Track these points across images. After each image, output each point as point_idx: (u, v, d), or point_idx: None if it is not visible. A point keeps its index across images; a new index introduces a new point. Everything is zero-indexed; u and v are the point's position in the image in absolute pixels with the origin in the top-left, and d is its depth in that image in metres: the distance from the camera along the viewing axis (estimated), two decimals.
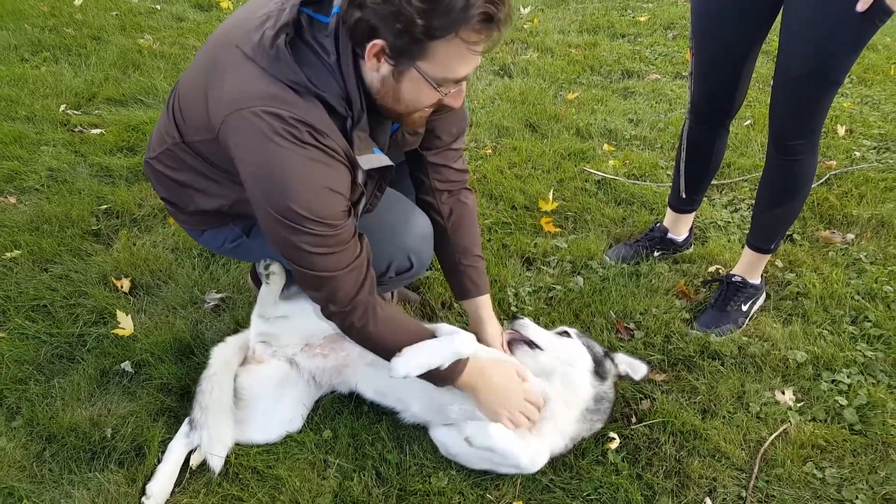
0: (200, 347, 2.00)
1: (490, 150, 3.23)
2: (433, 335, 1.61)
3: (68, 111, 3.44)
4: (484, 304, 1.87)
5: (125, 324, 2.07)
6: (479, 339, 1.77)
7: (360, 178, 1.43)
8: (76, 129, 3.26)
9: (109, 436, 1.73)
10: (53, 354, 1.99)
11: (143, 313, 2.15)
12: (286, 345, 1.81)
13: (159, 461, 1.66)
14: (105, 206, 2.67)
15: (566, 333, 1.84)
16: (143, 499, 1.56)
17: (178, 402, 1.84)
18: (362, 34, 1.25)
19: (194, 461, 1.66)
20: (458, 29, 1.22)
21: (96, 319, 2.11)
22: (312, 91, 1.30)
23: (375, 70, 1.31)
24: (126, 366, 1.94)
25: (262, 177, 1.32)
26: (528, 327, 1.82)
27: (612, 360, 1.80)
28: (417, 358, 1.54)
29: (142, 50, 4.15)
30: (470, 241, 1.85)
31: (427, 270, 2.25)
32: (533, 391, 1.68)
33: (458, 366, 1.58)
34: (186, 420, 1.70)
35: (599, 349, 1.81)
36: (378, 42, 1.24)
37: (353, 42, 1.29)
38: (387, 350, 1.55)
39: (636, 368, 1.80)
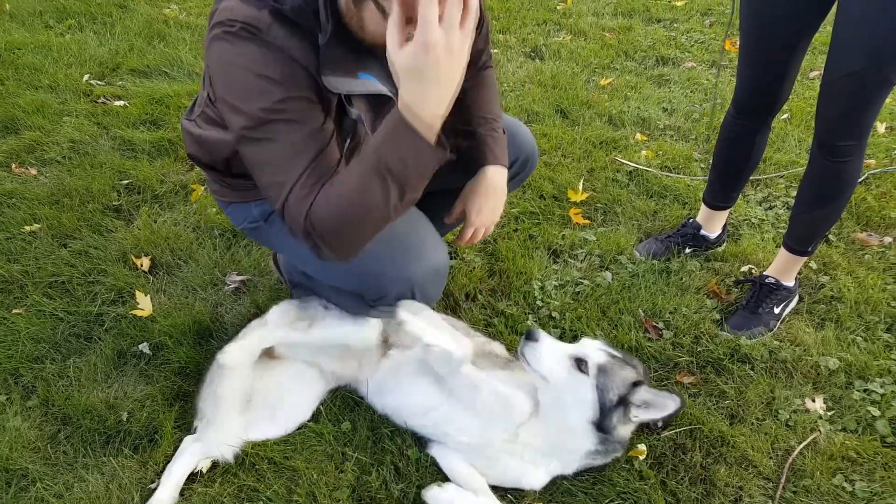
0: (220, 331, 1.98)
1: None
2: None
3: (92, 81, 3.42)
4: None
5: (144, 304, 2.05)
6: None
7: (354, 114, 1.35)
8: (99, 101, 3.24)
9: (125, 419, 1.72)
10: (70, 333, 1.98)
11: (162, 293, 2.13)
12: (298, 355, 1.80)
13: (174, 448, 1.64)
14: (127, 181, 2.65)
15: (583, 364, 1.56)
16: None
17: (195, 387, 1.81)
18: None
19: (203, 466, 1.63)
20: None
21: (115, 298, 2.10)
22: (269, 5, 1.23)
23: None
24: (144, 347, 1.93)
25: (219, 77, 1.28)
26: (538, 355, 1.58)
27: (628, 408, 1.54)
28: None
29: (168, 20, 4.11)
30: (488, 108, 1.72)
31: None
32: None
33: None
34: (191, 436, 1.66)
35: (615, 394, 1.53)
36: None
37: None
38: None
39: (662, 405, 1.52)
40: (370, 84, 1.36)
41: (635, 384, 1.55)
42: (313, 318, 1.78)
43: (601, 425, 1.54)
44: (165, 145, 2.89)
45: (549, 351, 1.58)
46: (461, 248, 1.93)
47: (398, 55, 1.08)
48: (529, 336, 1.60)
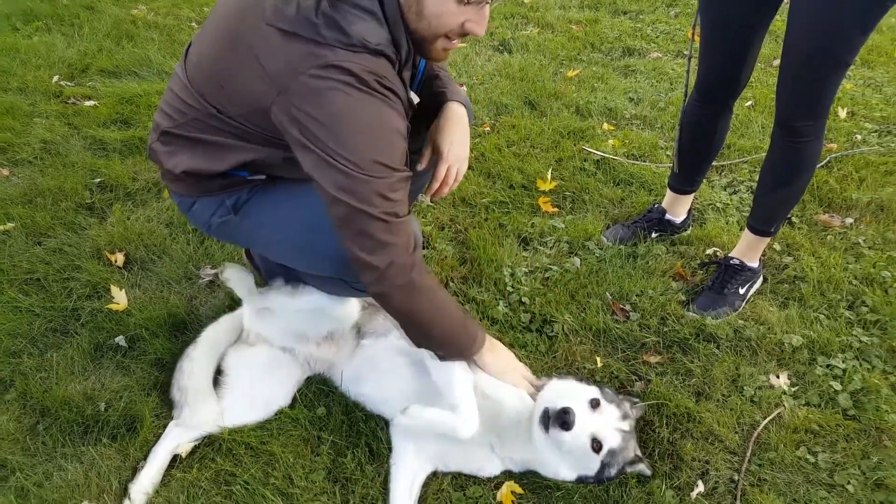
0: (195, 323, 1.98)
1: (488, 128, 3.18)
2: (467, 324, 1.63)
3: (61, 82, 3.37)
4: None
5: (119, 298, 2.04)
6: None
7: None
8: (69, 101, 3.20)
9: (103, 409, 1.72)
10: (47, 328, 1.97)
11: (137, 288, 2.12)
12: (275, 339, 1.80)
13: (154, 436, 1.65)
14: (99, 180, 2.62)
15: (598, 444, 1.55)
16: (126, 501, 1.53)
17: (172, 378, 1.82)
18: None
19: (183, 451, 1.64)
20: None
21: (90, 293, 2.09)
22: (371, 48, 1.25)
23: None
24: (120, 340, 1.92)
25: (335, 130, 1.26)
26: (563, 439, 1.53)
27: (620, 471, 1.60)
28: (422, 414, 1.57)
29: (136, 21, 4.07)
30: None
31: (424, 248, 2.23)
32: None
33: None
34: (174, 421, 1.68)
35: (616, 469, 1.58)
36: None
37: None
38: (422, 325, 1.53)
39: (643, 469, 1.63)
40: (414, 95, 1.46)
41: (634, 461, 1.61)
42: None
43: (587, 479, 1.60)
44: (137, 144, 2.86)
45: (574, 436, 1.53)
46: (439, 198, 1.90)
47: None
48: (564, 424, 1.52)
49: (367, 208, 1.31)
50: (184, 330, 1.97)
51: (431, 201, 1.72)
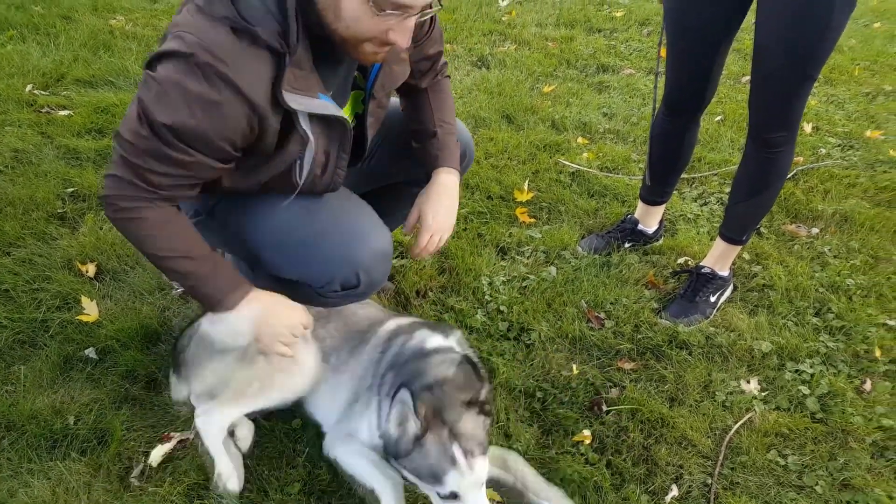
0: (167, 334, 1.95)
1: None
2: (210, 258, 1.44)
3: (35, 91, 3.31)
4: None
5: (90, 309, 2.00)
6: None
7: (303, 123, 1.34)
8: (43, 110, 3.15)
9: (72, 423, 1.67)
10: (15, 340, 1.92)
11: (108, 299, 2.08)
12: None
13: (125, 449, 1.61)
14: (71, 189, 2.58)
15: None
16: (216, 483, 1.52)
17: (143, 390, 1.79)
18: None
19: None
20: None
21: (60, 305, 2.04)
22: (241, 26, 1.20)
23: None
24: (90, 352, 1.88)
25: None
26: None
27: None
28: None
29: (113, 31, 4.03)
30: (447, 114, 1.76)
31: (389, 282, 2.21)
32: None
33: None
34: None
35: None
36: None
37: None
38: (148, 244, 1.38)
39: None
40: (332, 107, 1.37)
41: None
42: None
43: None
44: (111, 153, 2.81)
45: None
46: (418, 259, 1.91)
47: None
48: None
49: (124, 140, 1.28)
50: (156, 341, 1.93)
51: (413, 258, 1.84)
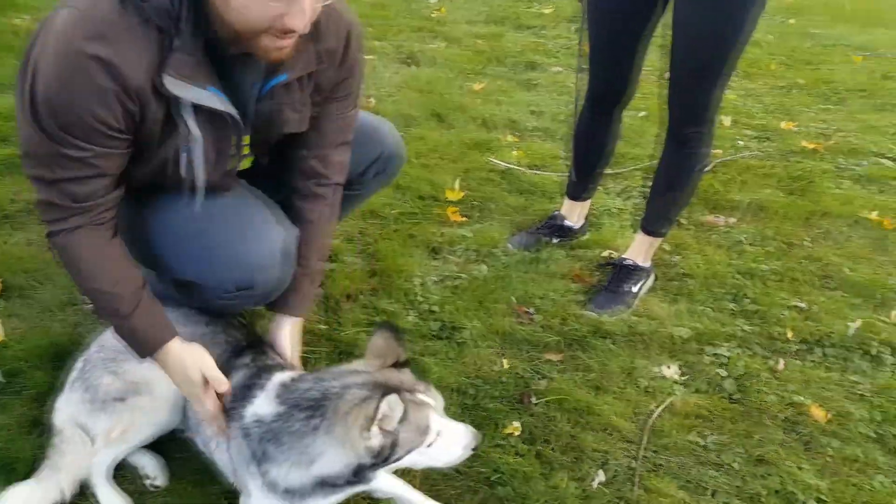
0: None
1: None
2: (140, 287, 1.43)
3: None
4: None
5: None
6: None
7: (186, 114, 1.30)
8: None
9: None
10: None
11: (15, 317, 2.01)
12: None
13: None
14: None
15: None
16: None
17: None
18: None
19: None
20: None
21: None
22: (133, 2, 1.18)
23: None
24: None
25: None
26: None
27: None
28: None
29: (18, 31, 3.87)
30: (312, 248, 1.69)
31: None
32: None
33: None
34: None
35: None
36: None
37: None
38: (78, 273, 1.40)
39: None
40: (220, 102, 1.32)
41: None
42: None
43: None
44: (15, 162, 2.72)
45: None
46: None
47: None
48: None
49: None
50: (68, 360, 1.87)
51: None
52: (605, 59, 2.12)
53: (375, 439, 1.19)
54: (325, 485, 1.24)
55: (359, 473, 1.23)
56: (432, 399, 1.30)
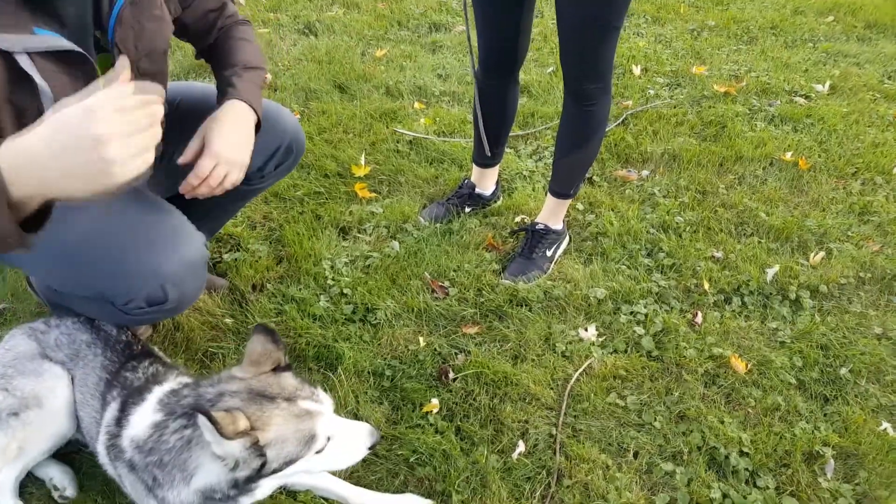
0: None
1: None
2: None
3: None
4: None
5: None
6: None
7: (25, 65, 1.19)
8: None
9: None
10: None
11: None
12: None
13: None
14: None
15: None
16: None
17: None
18: None
19: None
20: None
21: None
22: None
23: None
24: None
25: None
26: None
27: None
28: None
29: None
30: (247, 58, 1.66)
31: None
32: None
33: None
34: None
35: None
36: None
37: None
38: None
39: None
40: (53, 40, 1.22)
41: None
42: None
43: None
44: None
45: None
46: (193, 196, 1.55)
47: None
48: None
49: None
50: None
51: (185, 196, 1.56)
52: (491, 22, 2.12)
53: (232, 446, 1.15)
54: (210, 499, 1.22)
55: (238, 486, 1.20)
56: (319, 404, 1.27)
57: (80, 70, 1.29)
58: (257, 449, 1.16)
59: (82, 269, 1.48)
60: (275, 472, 1.20)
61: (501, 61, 2.20)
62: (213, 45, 1.72)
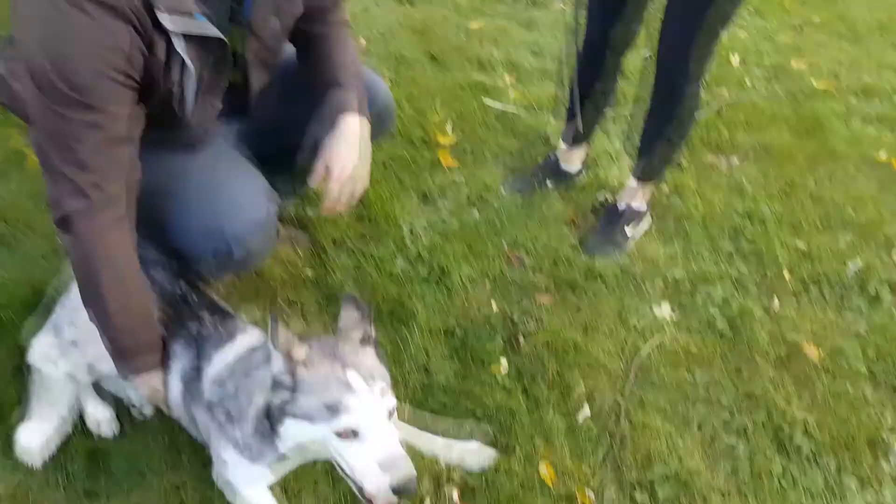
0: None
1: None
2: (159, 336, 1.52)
3: None
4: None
5: None
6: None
7: (179, 47, 1.33)
8: None
9: None
10: None
11: None
12: None
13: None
14: None
15: None
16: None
17: None
18: None
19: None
20: None
21: None
22: None
23: None
24: None
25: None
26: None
27: None
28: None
29: None
30: (353, 64, 1.76)
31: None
32: None
33: None
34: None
35: None
36: None
37: None
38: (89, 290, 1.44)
39: None
40: (207, 27, 1.35)
41: None
42: None
43: None
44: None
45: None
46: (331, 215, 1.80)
47: None
48: None
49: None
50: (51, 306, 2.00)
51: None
52: (606, 3, 2.19)
53: (277, 362, 1.25)
54: (260, 434, 1.33)
55: (270, 416, 1.28)
56: (379, 396, 1.24)
57: (213, 54, 1.42)
58: (293, 379, 1.24)
59: (162, 220, 1.61)
60: (294, 417, 1.25)
61: (610, 41, 2.26)
62: (324, 40, 1.75)
